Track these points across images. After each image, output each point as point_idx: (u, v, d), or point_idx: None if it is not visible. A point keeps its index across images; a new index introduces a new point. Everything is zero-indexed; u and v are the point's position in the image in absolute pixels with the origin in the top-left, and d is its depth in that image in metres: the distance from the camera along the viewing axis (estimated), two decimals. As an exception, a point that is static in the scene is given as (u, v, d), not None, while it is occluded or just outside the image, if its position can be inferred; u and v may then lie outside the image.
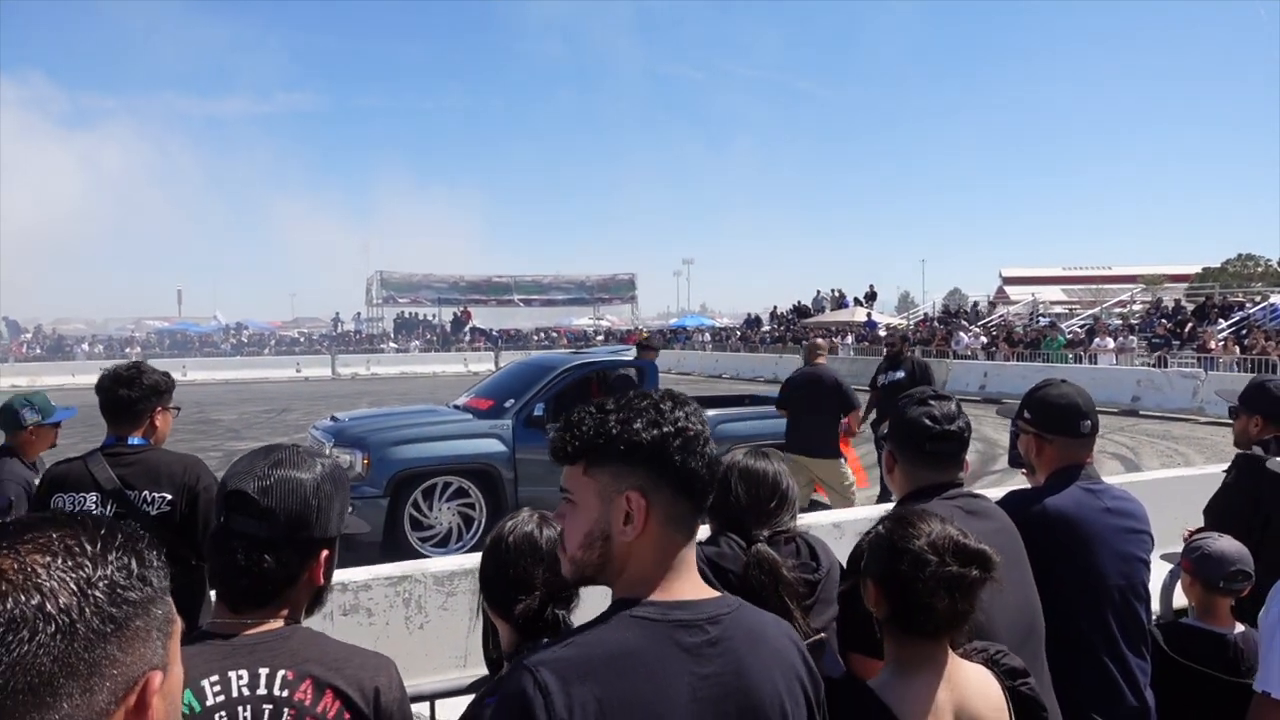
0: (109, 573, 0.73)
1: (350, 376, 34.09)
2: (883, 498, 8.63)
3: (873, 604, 1.65)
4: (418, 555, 6.75)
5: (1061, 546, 2.28)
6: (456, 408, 8.66)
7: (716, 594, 1.31)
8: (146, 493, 2.78)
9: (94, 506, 2.76)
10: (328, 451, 7.68)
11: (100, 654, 0.70)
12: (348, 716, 1.36)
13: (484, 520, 7.56)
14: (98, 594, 0.71)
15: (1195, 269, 47.84)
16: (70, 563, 0.71)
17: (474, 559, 4.29)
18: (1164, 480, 6.65)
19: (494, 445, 7.71)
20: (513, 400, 8.10)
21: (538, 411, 7.88)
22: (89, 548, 0.73)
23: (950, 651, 1.61)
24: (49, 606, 0.68)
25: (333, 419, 8.53)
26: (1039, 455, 2.45)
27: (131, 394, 2.89)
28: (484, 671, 4.28)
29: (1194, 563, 2.76)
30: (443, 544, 7.41)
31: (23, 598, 0.68)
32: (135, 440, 2.89)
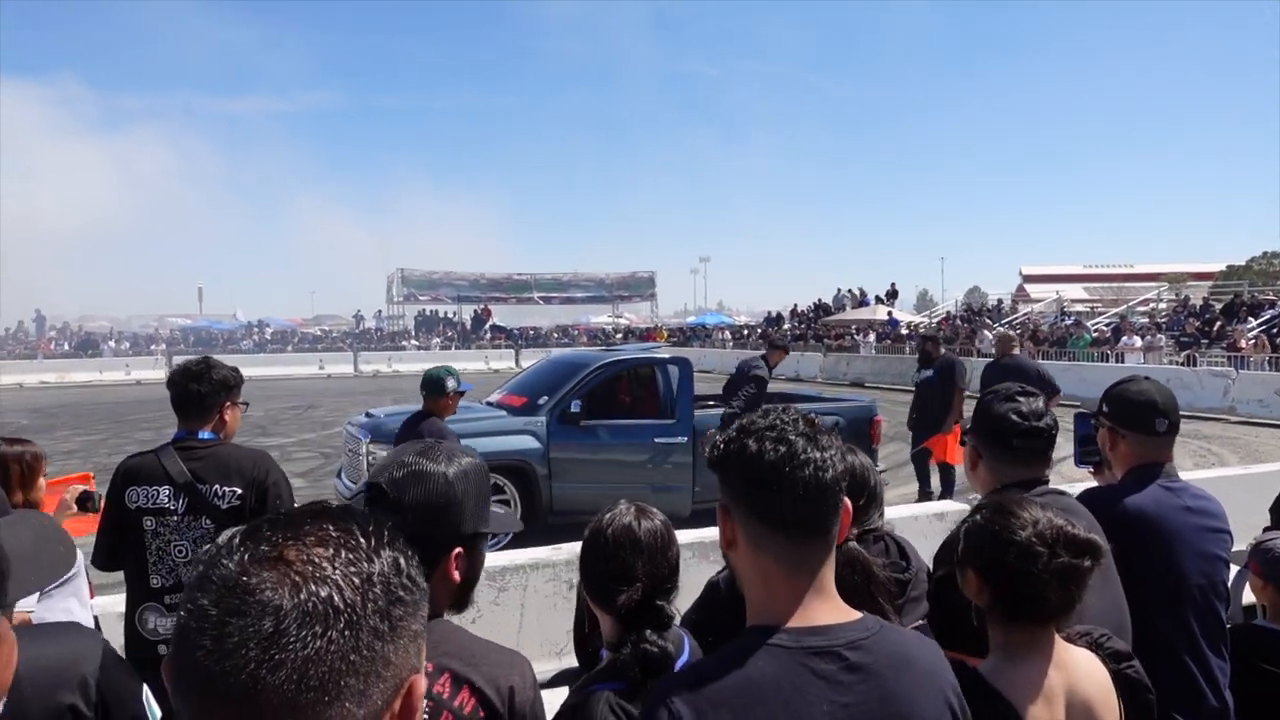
0: (384, 570, 0.70)
1: (372, 374, 34.28)
2: (922, 495, 8.61)
3: (973, 593, 1.64)
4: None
5: (1142, 545, 2.27)
6: (490, 404, 8.70)
7: (857, 616, 1.26)
8: (217, 486, 2.81)
9: (167, 500, 2.79)
10: (363, 448, 7.74)
11: (377, 653, 0.67)
12: (482, 714, 1.37)
13: (518, 516, 7.59)
14: (376, 591, 0.68)
15: (1218, 267, 47.27)
16: (350, 556, 0.68)
17: (525, 555, 4.32)
18: (1203, 481, 6.57)
19: (528, 442, 7.74)
20: (546, 397, 8.12)
21: (572, 408, 7.90)
22: (364, 543, 0.70)
23: (1056, 635, 1.60)
24: (337, 600, 0.65)
25: (368, 415, 8.58)
26: (1113, 450, 2.44)
27: (201, 389, 2.92)
28: (538, 666, 4.29)
29: (1264, 565, 2.73)
30: (478, 540, 7.44)
31: (314, 588, 0.65)
32: (205, 434, 2.93)
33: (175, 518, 2.78)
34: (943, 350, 9.33)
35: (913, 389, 9.35)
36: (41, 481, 2.86)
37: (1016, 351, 8.51)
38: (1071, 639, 1.63)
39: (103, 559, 2.89)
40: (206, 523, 2.79)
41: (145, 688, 1.55)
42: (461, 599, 1.49)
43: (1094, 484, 2.65)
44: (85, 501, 3.12)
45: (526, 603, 4.14)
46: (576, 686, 1.66)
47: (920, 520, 4.98)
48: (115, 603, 3.22)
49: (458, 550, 1.44)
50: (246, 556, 0.67)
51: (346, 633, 0.65)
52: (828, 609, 1.23)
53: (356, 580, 0.67)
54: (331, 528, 0.70)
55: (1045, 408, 2.16)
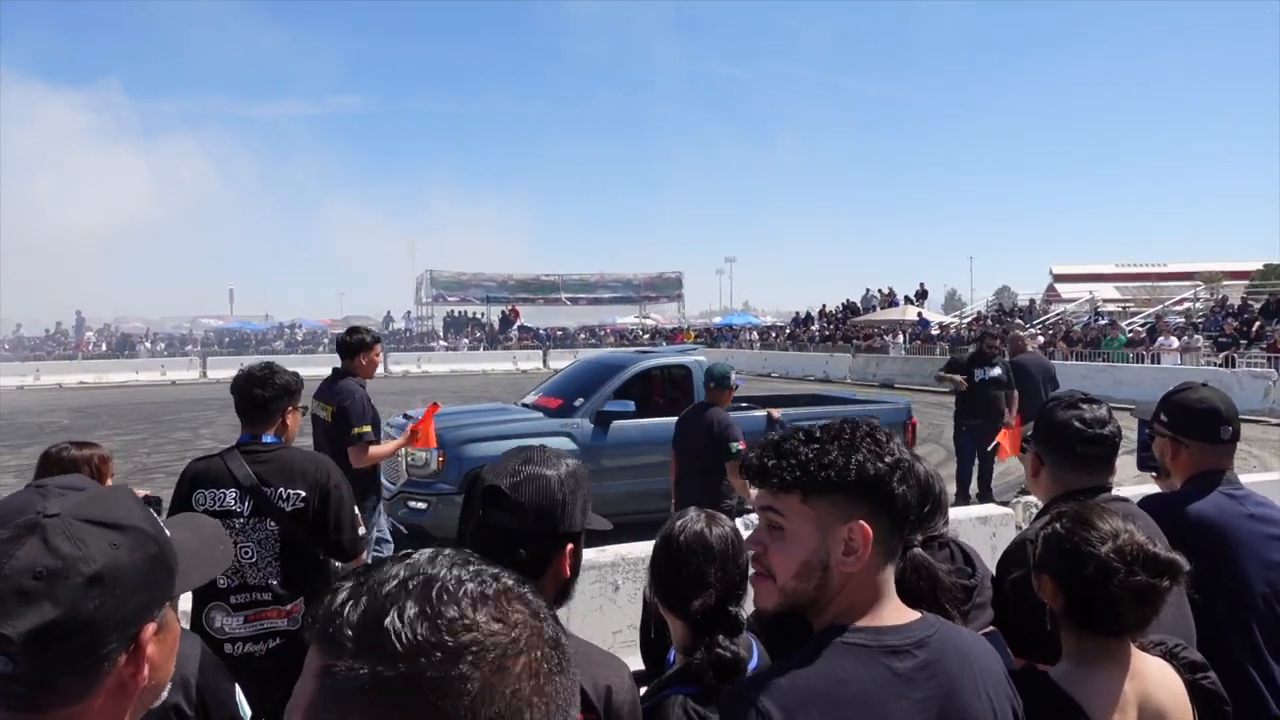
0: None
1: (402, 374, 34.55)
2: (961, 499, 8.55)
3: (1049, 597, 1.64)
4: (494, 552, 6.84)
5: (1204, 553, 2.25)
6: (526, 406, 8.76)
7: (918, 615, 1.32)
8: (282, 489, 2.88)
9: (233, 503, 2.86)
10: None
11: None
12: (579, 713, 1.41)
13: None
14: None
15: (1254, 265, 46.39)
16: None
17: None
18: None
19: (565, 444, 7.77)
20: (582, 399, 8.17)
21: (608, 410, 7.94)
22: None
23: (1130, 646, 1.60)
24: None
25: (405, 416, 8.67)
26: (1174, 459, 2.43)
27: (266, 393, 2.99)
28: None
29: None
30: (516, 541, 7.50)
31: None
32: (268, 438, 2.99)
33: (241, 520, 2.85)
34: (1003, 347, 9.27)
35: (950, 389, 9.24)
36: (110, 483, 2.94)
37: (1030, 349, 8.61)
38: (1146, 648, 1.63)
39: None
40: (271, 525, 2.85)
41: (237, 687, 1.60)
42: (567, 592, 1.56)
43: (1155, 489, 2.63)
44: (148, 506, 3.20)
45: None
46: (650, 690, 1.69)
47: (964, 524, 4.96)
48: (183, 598, 3.32)
49: (570, 547, 1.51)
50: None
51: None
52: (893, 609, 1.30)
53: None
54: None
55: (1109, 415, 2.16)
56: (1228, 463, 2.41)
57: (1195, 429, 2.38)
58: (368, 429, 4.90)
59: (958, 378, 8.93)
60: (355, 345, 5.21)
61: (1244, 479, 7.15)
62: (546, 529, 1.47)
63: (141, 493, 3.24)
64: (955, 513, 5.34)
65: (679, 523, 1.82)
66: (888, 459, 1.28)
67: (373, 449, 4.96)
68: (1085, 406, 2.15)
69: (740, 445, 5.54)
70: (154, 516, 1.05)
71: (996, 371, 8.86)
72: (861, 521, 1.26)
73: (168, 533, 1.06)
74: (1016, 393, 8.79)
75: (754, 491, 1.38)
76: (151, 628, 0.98)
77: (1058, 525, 1.66)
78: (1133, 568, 1.53)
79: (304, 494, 2.88)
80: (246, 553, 2.83)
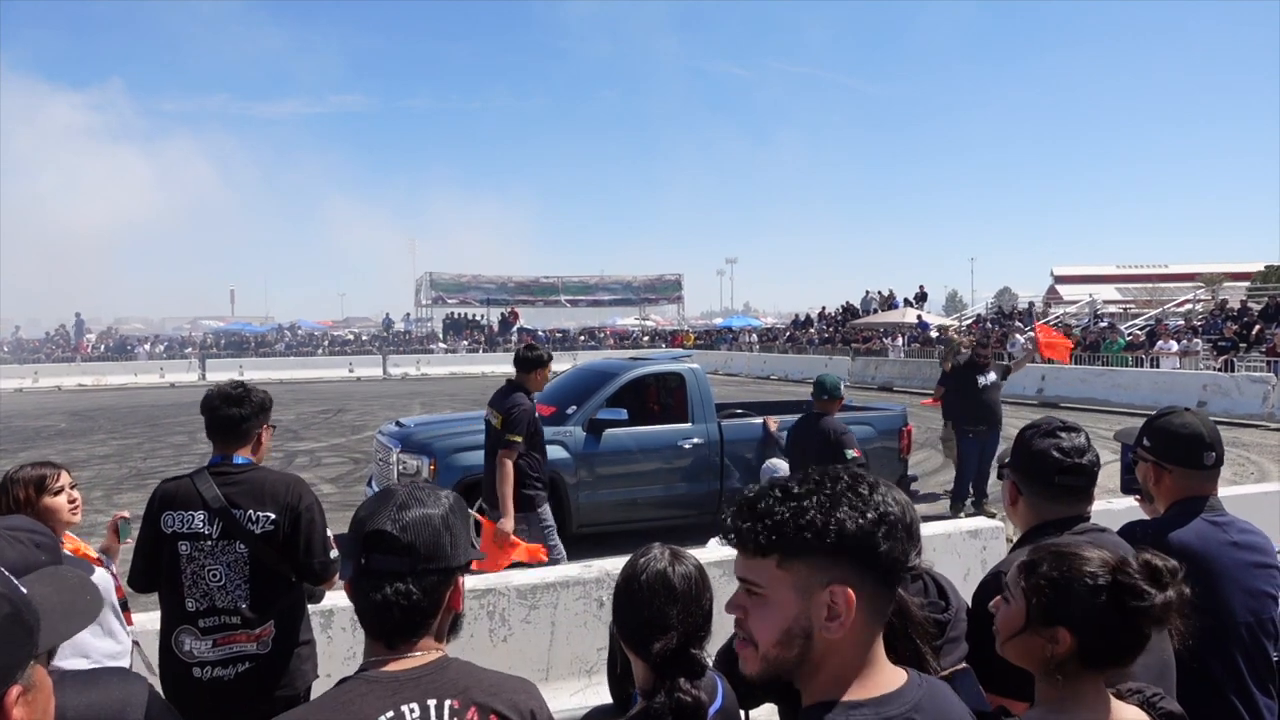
0: None
1: (401, 376, 34.56)
2: (957, 506, 8.55)
3: (1060, 650, 1.51)
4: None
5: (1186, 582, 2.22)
6: (519, 413, 8.72)
7: (905, 676, 1.26)
8: (251, 511, 2.83)
9: (201, 524, 2.82)
10: (393, 457, 7.80)
11: None
12: None
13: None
14: None
15: (1256, 267, 46.30)
16: None
17: (555, 572, 4.32)
18: (1244, 496, 6.41)
19: (557, 452, 7.73)
20: (575, 407, 8.13)
21: (600, 418, 7.91)
22: None
23: (1106, 692, 1.55)
24: None
25: (398, 424, 8.64)
26: (1157, 485, 2.39)
27: (242, 412, 2.94)
28: (568, 685, 4.27)
29: None
30: (507, 550, 7.47)
31: None
32: (240, 459, 2.95)
33: (209, 542, 2.81)
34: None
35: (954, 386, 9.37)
36: (51, 501, 2.76)
37: (966, 352, 9.37)
38: (1123, 696, 1.57)
39: (139, 581, 2.93)
40: (240, 547, 2.81)
41: None
42: (458, 623, 1.55)
43: (1138, 514, 2.59)
44: (121, 529, 3.16)
45: (557, 621, 4.13)
46: (610, 730, 1.66)
47: (954, 538, 4.93)
48: (153, 619, 3.28)
49: (460, 579, 1.50)
50: None
51: None
52: (886, 674, 1.25)
53: None
54: None
55: (1087, 443, 2.12)
56: (1211, 488, 2.37)
57: (1178, 455, 2.35)
58: (519, 439, 5.78)
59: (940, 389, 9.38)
60: (533, 361, 6.04)
61: (1239, 489, 7.12)
62: (439, 566, 1.45)
63: (118, 514, 3.21)
64: (945, 525, 5.30)
65: (642, 560, 1.79)
66: (870, 514, 1.18)
67: (504, 484, 5.77)
68: (1064, 435, 2.11)
69: (855, 453, 6.04)
70: (7, 577, 1.02)
71: (993, 377, 9.00)
72: (844, 585, 1.18)
73: (23, 590, 1.03)
74: None
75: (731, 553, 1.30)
76: (16, 690, 0.95)
77: (1046, 569, 1.56)
78: (1159, 581, 1.49)
79: (274, 516, 2.83)
80: (215, 576, 2.79)
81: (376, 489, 8.23)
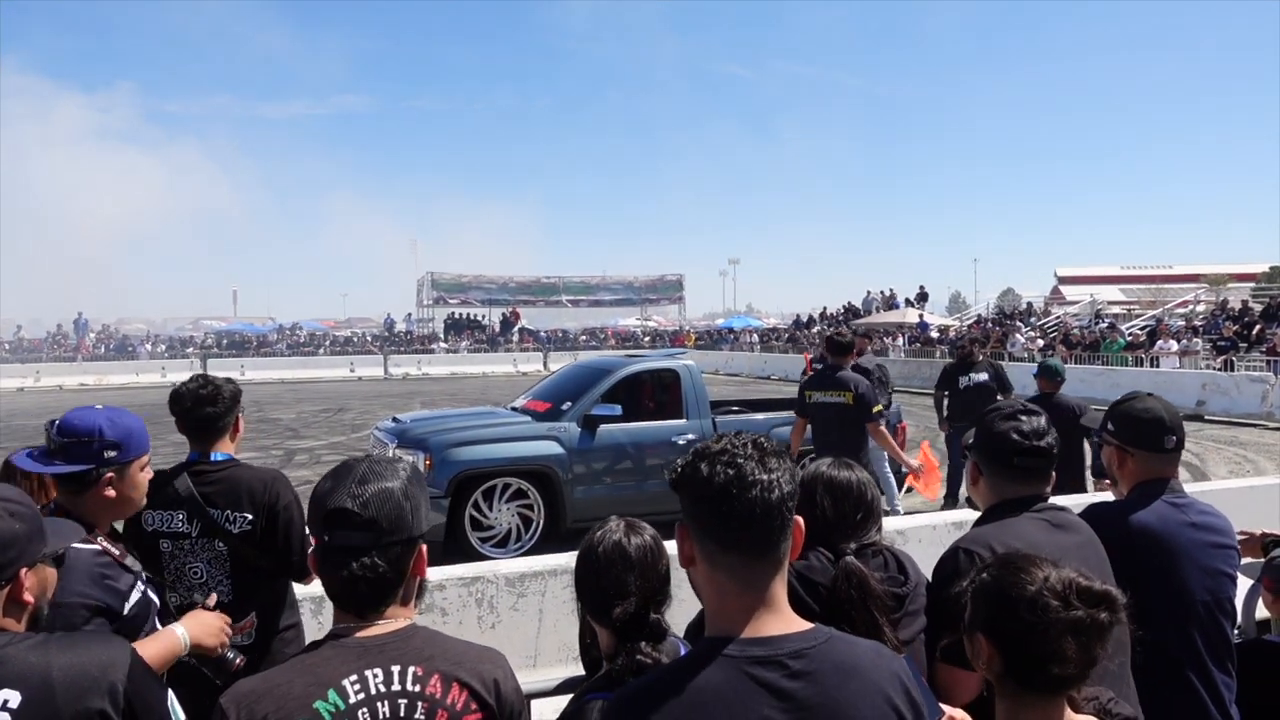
0: None
1: (402, 376, 34.63)
2: (949, 502, 8.58)
3: (984, 661, 1.52)
4: (478, 555, 6.87)
5: (1146, 562, 2.27)
6: (515, 410, 8.78)
7: (806, 628, 1.31)
8: (229, 512, 2.81)
9: (181, 524, 2.81)
10: (390, 453, 7.86)
11: None
12: (474, 706, 1.46)
13: (542, 521, 7.67)
14: None
15: (1261, 267, 46.25)
16: None
17: (543, 561, 4.38)
18: (1235, 490, 6.48)
19: (552, 447, 7.80)
20: (570, 403, 8.18)
21: (595, 413, 7.96)
22: None
23: (1065, 706, 1.50)
24: None
25: (394, 420, 8.71)
26: (1120, 468, 2.45)
27: (217, 409, 2.90)
28: (555, 671, 4.33)
29: (1277, 580, 2.71)
30: (502, 544, 7.53)
31: None
32: (218, 455, 2.91)
33: (189, 541, 2.81)
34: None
35: (944, 393, 9.36)
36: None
37: (868, 350, 10.12)
38: (1077, 705, 1.55)
39: None
40: (220, 545, 2.80)
41: (170, 693, 1.62)
42: (423, 590, 1.60)
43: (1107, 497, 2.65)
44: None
45: (545, 608, 4.19)
46: (574, 696, 1.72)
47: (939, 529, 4.98)
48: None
49: (423, 547, 1.54)
50: None
51: None
52: (777, 621, 1.30)
53: None
54: None
55: (1048, 426, 2.18)
56: (1171, 471, 2.42)
57: (1140, 438, 2.40)
58: (880, 407, 6.78)
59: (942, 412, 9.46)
60: (848, 345, 6.97)
61: (1235, 483, 7.15)
62: (402, 538, 1.48)
63: None
64: (932, 517, 5.36)
65: (599, 533, 1.85)
66: (708, 465, 1.32)
67: (889, 445, 6.82)
68: (1024, 418, 2.16)
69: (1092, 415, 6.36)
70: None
71: (983, 377, 9.01)
72: (681, 524, 1.35)
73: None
74: (1009, 397, 8.95)
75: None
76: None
77: (985, 576, 1.56)
78: (1069, 602, 1.44)
79: (250, 516, 2.81)
80: (196, 573, 2.79)
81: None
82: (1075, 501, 3.18)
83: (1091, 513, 2.34)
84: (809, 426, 6.81)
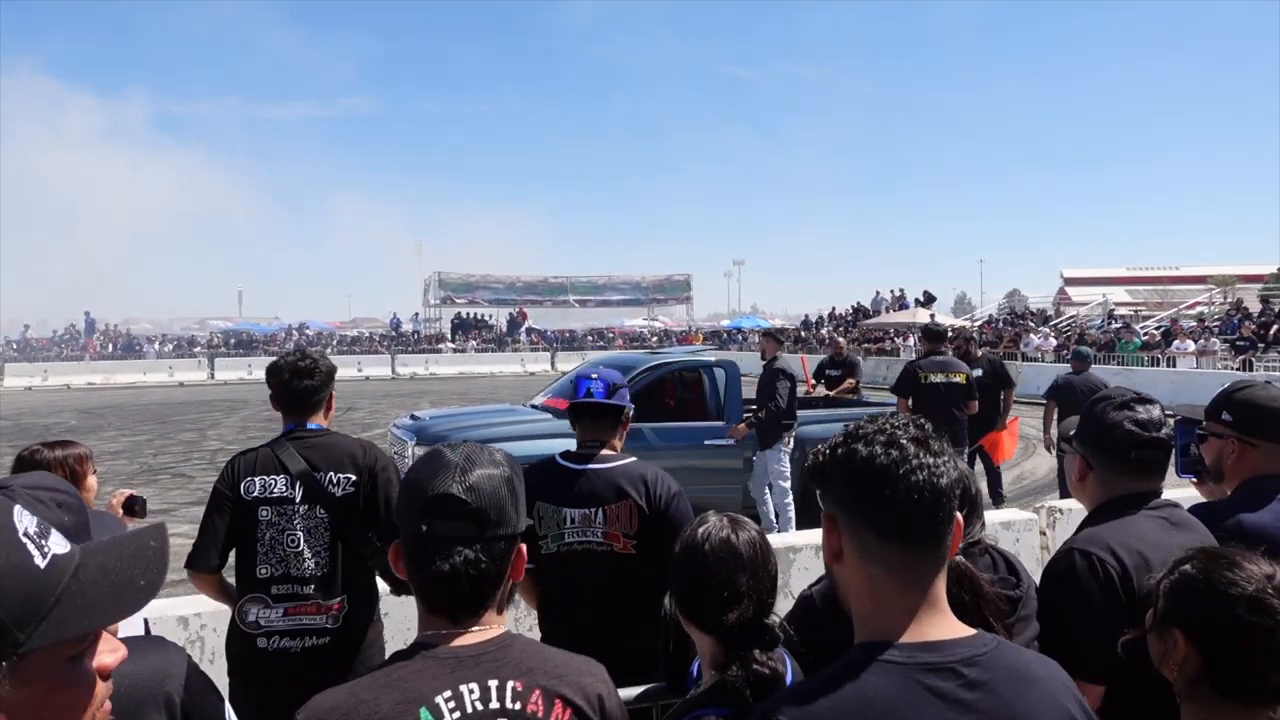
0: None
1: (409, 376, 34.56)
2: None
3: (1178, 661, 1.35)
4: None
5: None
6: (535, 407, 8.64)
7: (971, 632, 1.19)
8: (332, 474, 2.82)
9: (284, 489, 2.79)
10: (409, 450, 7.71)
11: None
12: None
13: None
14: None
15: (1269, 268, 45.94)
16: None
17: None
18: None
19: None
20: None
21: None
22: None
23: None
24: None
25: (413, 417, 8.58)
26: (1238, 460, 2.25)
27: (315, 383, 2.95)
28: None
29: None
30: (524, 544, 7.38)
31: None
32: (313, 425, 2.95)
33: (292, 506, 2.78)
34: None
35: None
36: (90, 482, 2.78)
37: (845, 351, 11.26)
38: None
39: (202, 559, 2.80)
40: (321, 513, 2.79)
41: (228, 705, 1.48)
42: (512, 595, 1.47)
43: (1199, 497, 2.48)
44: (132, 506, 3.05)
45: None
46: (677, 710, 1.57)
47: (989, 528, 4.83)
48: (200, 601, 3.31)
49: (523, 545, 1.38)
50: None
51: None
52: (942, 624, 1.17)
53: None
54: None
55: (1163, 416, 2.02)
56: (1282, 467, 2.25)
57: (1267, 428, 2.21)
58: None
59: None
60: (942, 334, 8.41)
61: None
62: (507, 532, 1.33)
63: (126, 492, 3.12)
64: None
65: (701, 529, 1.69)
66: (840, 449, 1.21)
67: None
68: (1139, 408, 2.01)
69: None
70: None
71: (976, 373, 8.95)
72: (828, 515, 1.22)
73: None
74: (1011, 394, 9.17)
75: None
76: None
77: (1188, 567, 1.38)
78: None
79: (354, 477, 2.82)
80: (293, 541, 2.76)
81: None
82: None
83: (1199, 511, 2.16)
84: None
